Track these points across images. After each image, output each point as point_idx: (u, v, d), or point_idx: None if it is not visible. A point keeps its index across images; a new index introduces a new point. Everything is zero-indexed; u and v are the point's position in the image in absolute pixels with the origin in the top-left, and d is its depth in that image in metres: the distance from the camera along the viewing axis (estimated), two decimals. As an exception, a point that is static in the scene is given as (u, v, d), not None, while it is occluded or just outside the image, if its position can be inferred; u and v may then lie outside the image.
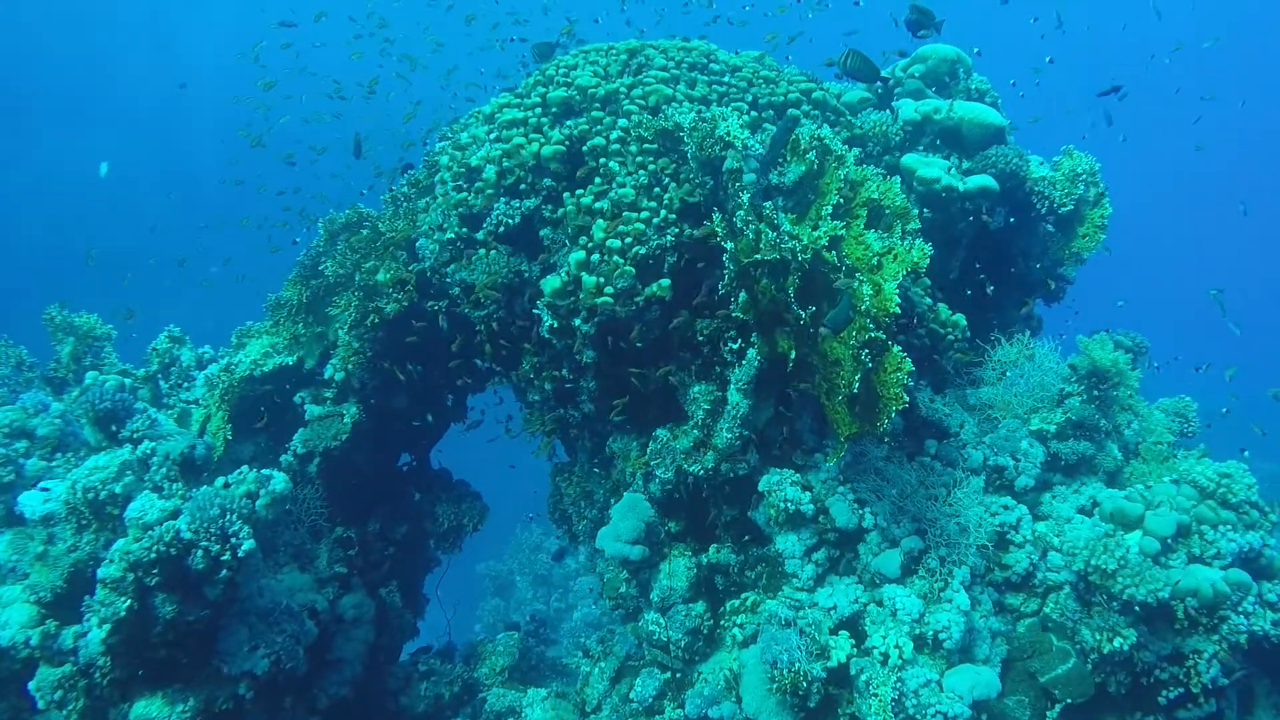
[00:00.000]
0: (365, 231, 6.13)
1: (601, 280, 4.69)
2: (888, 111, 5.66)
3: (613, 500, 6.05)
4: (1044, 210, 5.47)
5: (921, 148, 5.59)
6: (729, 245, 4.38)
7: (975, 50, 5.86)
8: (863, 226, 4.56)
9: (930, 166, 5.26)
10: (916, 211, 4.82)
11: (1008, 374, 5.55)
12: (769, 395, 5.01)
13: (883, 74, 5.95)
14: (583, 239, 4.82)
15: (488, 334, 5.49)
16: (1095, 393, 5.26)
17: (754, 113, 5.22)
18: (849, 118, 5.59)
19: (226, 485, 4.93)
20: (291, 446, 6.29)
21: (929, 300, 5.39)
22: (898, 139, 5.43)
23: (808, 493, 4.92)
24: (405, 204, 6.06)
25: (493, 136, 5.33)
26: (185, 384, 6.58)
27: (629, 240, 4.69)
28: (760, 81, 5.39)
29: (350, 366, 6.17)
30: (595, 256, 4.74)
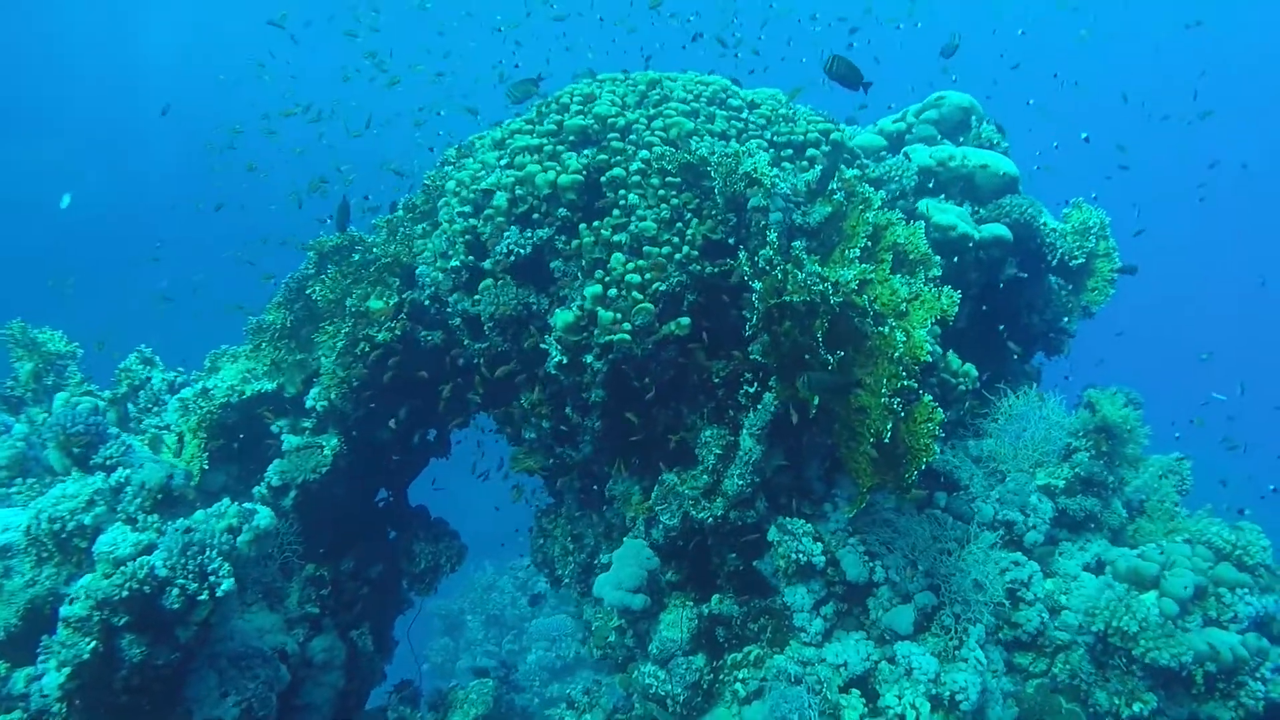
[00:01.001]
0: (357, 256, 5.88)
1: (619, 316, 4.51)
2: (902, 156, 5.61)
3: (605, 545, 5.84)
4: (1054, 262, 5.45)
5: (938, 195, 5.54)
6: (756, 285, 4.24)
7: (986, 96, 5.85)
8: (888, 271, 4.46)
9: (946, 213, 5.20)
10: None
11: (1013, 426, 5.48)
12: (779, 442, 4.87)
13: (894, 120, 5.92)
14: (599, 272, 4.64)
15: (487, 366, 5.27)
16: (1104, 448, 5.20)
17: (772, 150, 5.11)
18: (863, 160, 5.51)
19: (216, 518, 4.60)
20: (266, 478, 5.95)
21: (939, 349, 5.31)
22: (912, 184, 5.37)
23: (819, 544, 4.76)
24: (401, 229, 5.83)
25: (504, 162, 5.15)
26: (155, 408, 6.22)
27: (649, 275, 4.52)
28: (779, 119, 5.29)
29: (334, 395, 5.87)
30: (613, 291, 4.56)
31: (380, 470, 6.57)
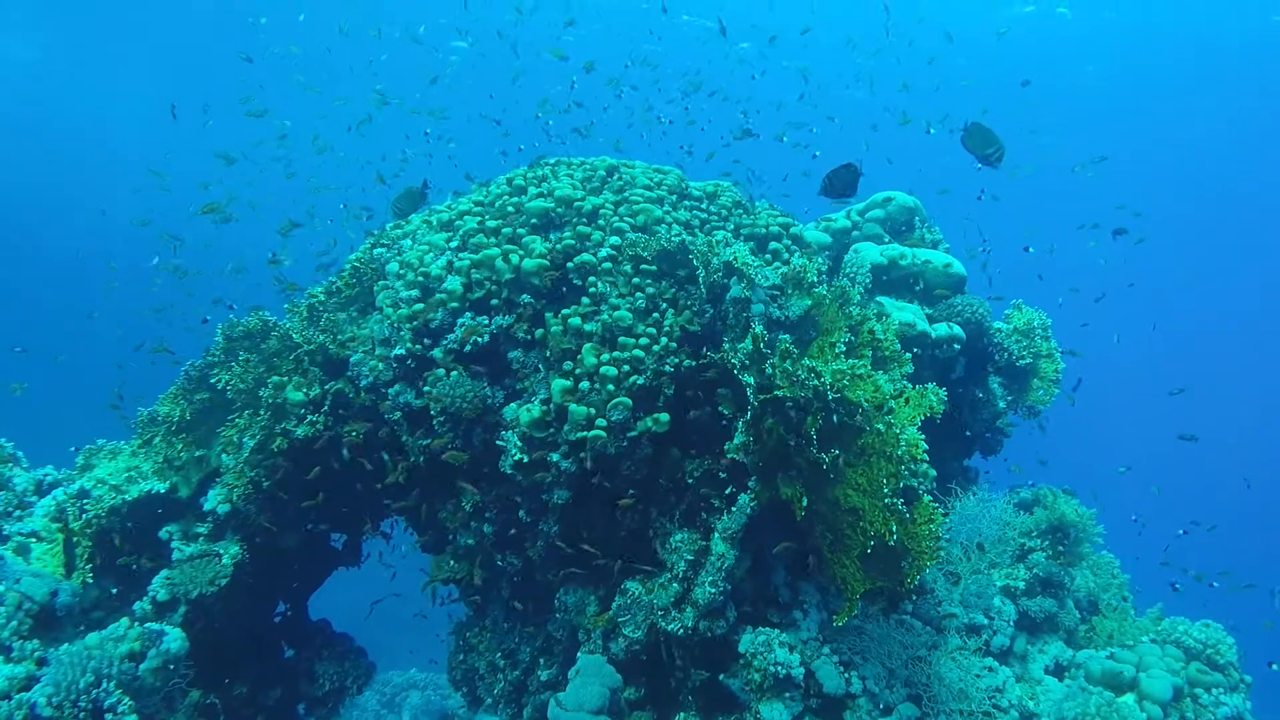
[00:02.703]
0: (273, 342, 5.33)
1: (593, 411, 4.18)
2: (853, 252, 5.59)
3: (544, 660, 5.37)
4: (1003, 362, 5.49)
5: (889, 293, 5.53)
6: (748, 379, 4.02)
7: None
8: (869, 367, 4.33)
9: (904, 311, 5.18)
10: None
11: (966, 528, 5.41)
12: (747, 547, 4.60)
13: (840, 218, 5.93)
14: (568, 364, 4.31)
15: (426, 465, 4.80)
16: (1060, 548, 5.18)
17: (737, 242, 4.97)
18: (817, 256, 5.46)
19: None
20: (150, 591, 5.18)
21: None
22: (868, 281, 5.34)
23: (796, 654, 4.47)
24: (326, 314, 5.34)
25: (454, 244, 4.79)
26: (20, 512, 5.36)
27: (626, 369, 4.23)
28: (739, 211, 5.18)
29: (237, 497, 5.23)
30: (585, 384, 4.23)
31: (283, 581, 5.88)
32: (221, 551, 5.35)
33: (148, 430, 5.49)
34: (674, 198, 5.09)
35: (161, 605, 5.20)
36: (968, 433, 5.90)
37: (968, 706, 4.44)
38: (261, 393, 5.11)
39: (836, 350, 4.27)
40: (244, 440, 5.21)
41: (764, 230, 5.10)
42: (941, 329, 5.23)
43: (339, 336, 5.20)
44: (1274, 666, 5.24)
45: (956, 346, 5.28)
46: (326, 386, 5.14)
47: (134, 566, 5.16)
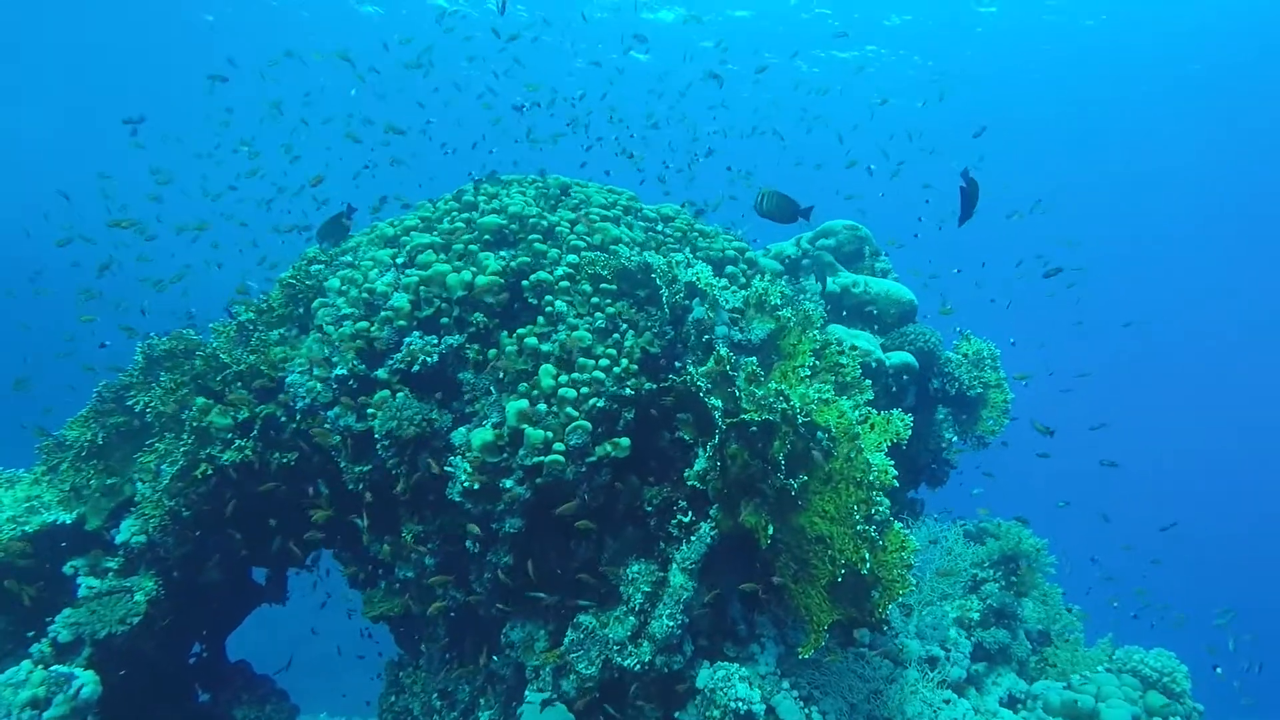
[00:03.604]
0: (198, 362, 4.98)
1: (551, 435, 3.97)
2: (812, 278, 5.52)
3: (484, 700, 5.08)
4: (954, 392, 5.47)
5: (841, 322, 5.47)
6: (715, 402, 3.87)
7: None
8: (833, 392, 4.24)
9: (859, 338, 5.12)
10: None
11: (916, 559, 5.34)
12: (705, 578, 4.43)
13: (790, 245, 5.87)
14: (523, 385, 4.11)
15: (368, 494, 4.52)
16: (1013, 578, 5.15)
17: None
18: (780, 280, 5.38)
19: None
20: (51, 632, 4.74)
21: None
22: (820, 309, 5.27)
23: (756, 689, 4.30)
24: (256, 333, 5.02)
25: (400, 260, 4.56)
26: (-96, 546, 4.87)
27: (585, 390, 4.04)
28: (695, 234, 5.07)
29: (153, 528, 4.84)
30: (542, 406, 4.03)
31: (200, 619, 5.46)
32: (134, 587, 4.94)
33: (53, 456, 5.07)
34: (629, 218, 4.95)
35: (63, 647, 4.76)
36: (915, 464, 5.87)
37: (930, 741, 4.33)
38: (185, 415, 4.76)
39: (801, 374, 4.16)
40: (163, 467, 4.84)
41: (720, 254, 5.00)
42: (895, 357, 5.19)
43: (271, 356, 4.89)
44: (1218, 670, 5.29)
45: (906, 376, 5.24)
46: (256, 410, 4.81)
47: (27, 604, 4.71)
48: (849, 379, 4.51)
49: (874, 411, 4.19)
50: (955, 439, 5.73)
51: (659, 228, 5.06)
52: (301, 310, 5.15)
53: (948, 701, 4.68)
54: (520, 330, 4.21)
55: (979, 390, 5.51)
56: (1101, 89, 24.12)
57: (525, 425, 4.01)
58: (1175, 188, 30.83)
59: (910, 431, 4.13)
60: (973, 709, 4.70)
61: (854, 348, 4.68)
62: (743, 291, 4.46)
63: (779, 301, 4.33)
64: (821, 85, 15.80)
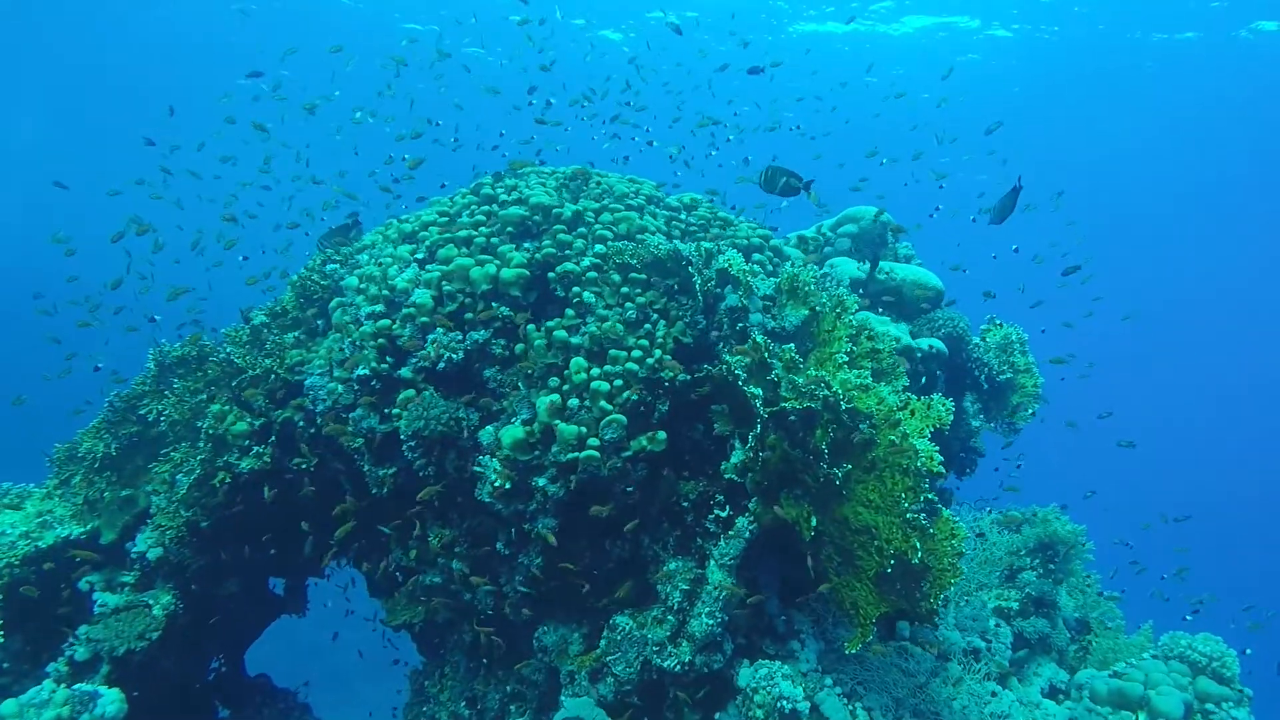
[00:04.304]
0: (212, 369, 4.85)
1: (584, 430, 3.85)
2: (829, 266, 5.41)
3: (515, 708, 4.95)
4: (982, 378, 5.36)
5: (867, 308, 5.36)
6: (755, 391, 3.75)
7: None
8: (871, 378, 4.12)
9: (888, 325, 5.01)
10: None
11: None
12: (742, 575, 4.30)
13: (810, 233, 5.76)
14: (554, 380, 3.98)
15: (392, 497, 4.39)
16: (1051, 566, 5.04)
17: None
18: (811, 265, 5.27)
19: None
20: (68, 651, 4.61)
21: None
22: (853, 294, 5.16)
23: (800, 687, 4.17)
24: (271, 337, 4.88)
25: (420, 256, 4.43)
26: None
27: (619, 383, 3.92)
28: (718, 222, 4.95)
29: (170, 540, 4.71)
30: (574, 401, 3.91)
31: (219, 633, 5.31)
32: (151, 601, 4.82)
33: (66, 469, 4.93)
34: (652, 207, 4.84)
35: (80, 665, 4.63)
36: (946, 451, 5.75)
37: (981, 735, 4.21)
38: (200, 423, 4.62)
39: (838, 361, 4.04)
40: (179, 477, 4.71)
41: (745, 242, 4.89)
42: (924, 343, 5.08)
43: (287, 360, 4.76)
44: (1248, 652, 5.18)
45: (939, 362, 5.13)
46: (274, 415, 4.68)
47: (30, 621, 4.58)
48: (885, 365, 4.40)
49: (914, 397, 4.07)
50: (985, 425, 5.63)
51: (682, 216, 4.94)
52: (314, 311, 5.02)
53: (994, 694, 4.56)
54: (549, 323, 4.08)
55: (1008, 375, 5.40)
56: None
57: (557, 421, 3.88)
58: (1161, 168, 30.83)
59: (952, 416, 4.02)
60: (1018, 701, 4.59)
61: (886, 333, 4.57)
62: (773, 278, 4.34)
63: (813, 287, 4.21)
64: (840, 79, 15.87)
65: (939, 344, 5.11)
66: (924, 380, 5.15)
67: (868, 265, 5.30)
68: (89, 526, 4.87)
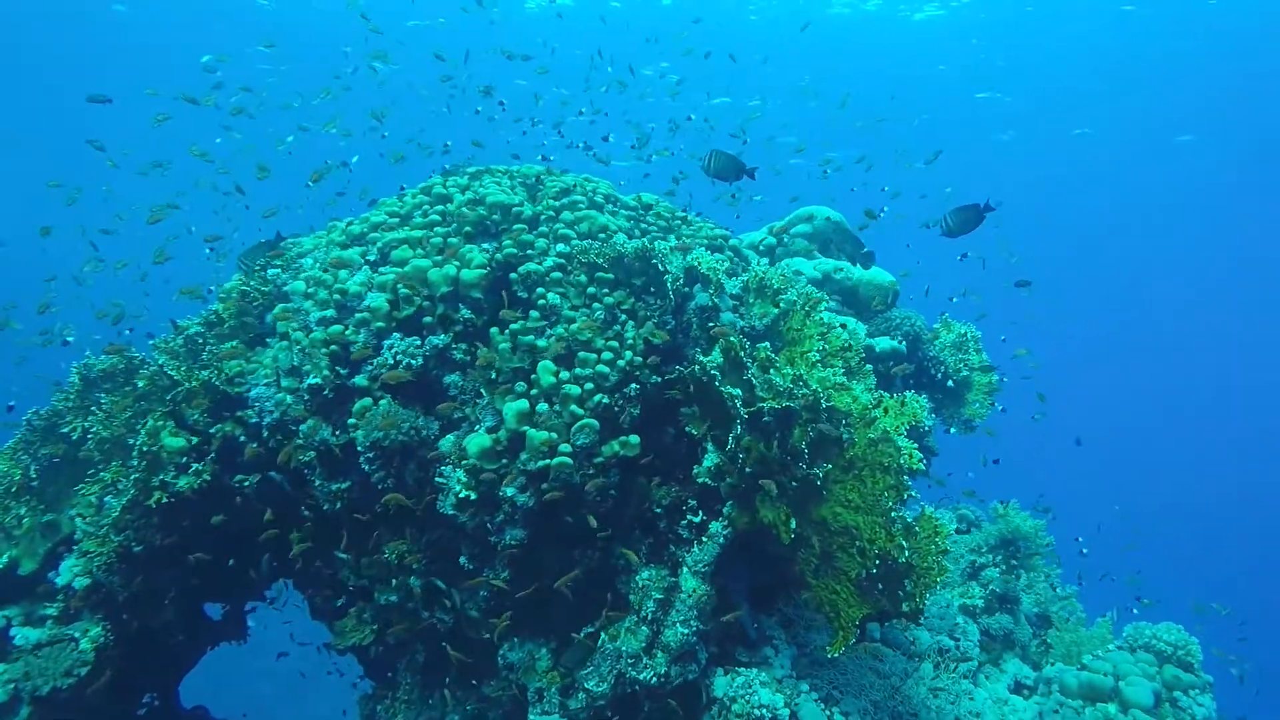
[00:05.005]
0: (141, 382, 4.53)
1: (554, 436, 3.68)
2: (784, 265, 5.35)
3: (477, 730, 4.74)
4: (939, 376, 5.36)
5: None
6: (732, 391, 3.64)
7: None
8: (844, 376, 4.06)
9: (849, 324, 4.96)
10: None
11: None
12: (715, 582, 4.18)
13: (764, 234, 5.71)
14: (520, 385, 3.81)
15: (346, 515, 4.15)
16: (1013, 561, 5.05)
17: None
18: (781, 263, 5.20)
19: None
20: (-18, 693, 4.24)
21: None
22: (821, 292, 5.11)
23: (780, 694, 4.07)
24: (207, 346, 4.59)
25: (371, 258, 4.21)
26: None
27: (590, 386, 3.76)
28: (678, 221, 4.84)
29: (98, 567, 4.37)
30: (543, 406, 3.74)
31: (151, 665, 4.96)
32: (78, 634, 4.46)
33: (-22, 494, 4.55)
34: (610, 206, 4.70)
35: (-1, 708, 4.26)
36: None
37: (960, 735, 4.17)
38: (132, 440, 4.30)
39: (810, 359, 3.97)
40: (107, 499, 4.38)
41: (705, 241, 4.79)
42: (882, 343, 5.05)
43: (224, 372, 4.47)
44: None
45: (896, 361, 5.11)
46: (212, 430, 4.38)
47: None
48: (853, 363, 4.34)
49: (886, 395, 4.02)
50: (939, 424, 5.64)
51: (640, 215, 4.82)
52: (253, 319, 4.73)
53: (968, 694, 4.53)
54: (513, 326, 3.90)
55: (965, 374, 5.42)
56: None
57: (526, 427, 3.71)
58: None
59: (927, 414, 3.97)
60: (990, 699, 4.57)
61: (855, 332, 4.52)
62: (736, 277, 4.25)
63: (780, 285, 4.13)
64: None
65: (898, 344, 5.10)
66: (882, 381, 5.13)
67: (819, 265, 5.26)
68: (5, 557, 4.49)
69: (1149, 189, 32.37)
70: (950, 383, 5.38)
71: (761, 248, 5.72)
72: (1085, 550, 5.93)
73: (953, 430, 5.59)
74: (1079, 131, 28.40)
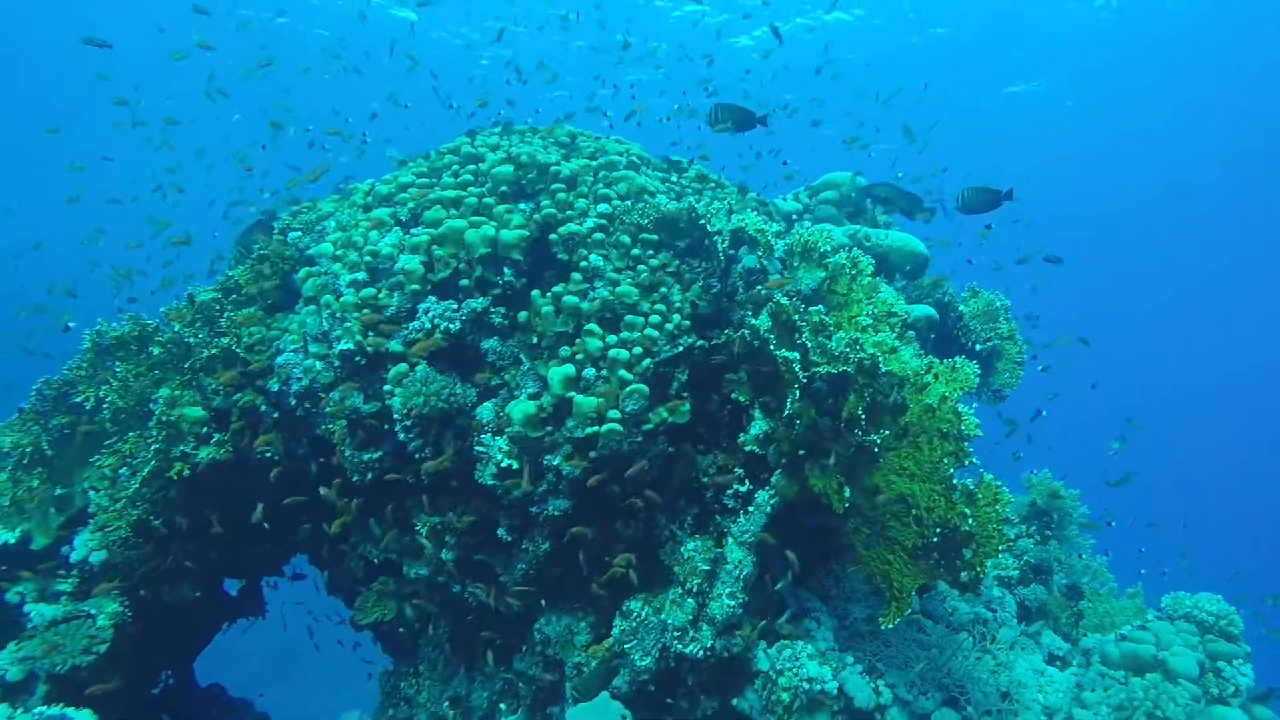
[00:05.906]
0: (156, 350, 4.34)
1: (603, 402, 3.55)
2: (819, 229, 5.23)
3: (506, 705, 4.63)
4: (969, 345, 5.28)
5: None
6: (788, 355, 3.52)
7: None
8: (896, 340, 3.95)
9: (889, 290, 4.86)
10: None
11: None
12: (759, 553, 4.08)
13: (789, 200, 5.58)
14: (565, 349, 3.67)
15: (376, 485, 4.00)
16: (1047, 532, 4.99)
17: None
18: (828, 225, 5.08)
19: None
20: (-1, 671, 4.07)
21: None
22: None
23: (827, 667, 3.98)
24: (224, 313, 4.41)
25: (402, 218, 4.04)
26: None
27: (638, 350, 3.63)
28: (710, 184, 4.70)
29: (114, 541, 4.21)
30: (590, 371, 3.61)
31: (167, 641, 4.80)
32: (95, 611, 4.29)
33: (-10, 466, 4.36)
34: (645, 167, 4.55)
35: (11, 687, 4.09)
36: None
37: (1010, 705, 4.10)
38: (156, 410, 4.12)
39: (860, 324, 3.86)
40: (121, 471, 4.21)
41: (753, 204, 4.66)
42: (918, 309, 4.95)
43: (243, 339, 4.29)
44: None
45: (929, 328, 5.02)
46: (233, 399, 4.22)
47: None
48: (897, 329, 4.24)
49: (935, 360, 3.92)
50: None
51: (673, 178, 4.68)
52: (271, 285, 4.55)
53: (1008, 666, 4.47)
54: (556, 289, 3.76)
55: (994, 343, 5.34)
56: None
57: (573, 393, 3.58)
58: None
59: (978, 379, 3.87)
60: (1031, 669, 4.52)
61: (898, 298, 4.41)
62: (784, 239, 4.13)
63: (828, 249, 4.01)
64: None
65: (931, 311, 5.00)
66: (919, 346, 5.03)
67: (847, 230, 5.15)
68: (18, 531, 4.31)
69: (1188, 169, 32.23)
70: (980, 349, 5.30)
71: (787, 214, 5.60)
72: (1112, 522, 5.89)
73: (983, 399, 5.51)
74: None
